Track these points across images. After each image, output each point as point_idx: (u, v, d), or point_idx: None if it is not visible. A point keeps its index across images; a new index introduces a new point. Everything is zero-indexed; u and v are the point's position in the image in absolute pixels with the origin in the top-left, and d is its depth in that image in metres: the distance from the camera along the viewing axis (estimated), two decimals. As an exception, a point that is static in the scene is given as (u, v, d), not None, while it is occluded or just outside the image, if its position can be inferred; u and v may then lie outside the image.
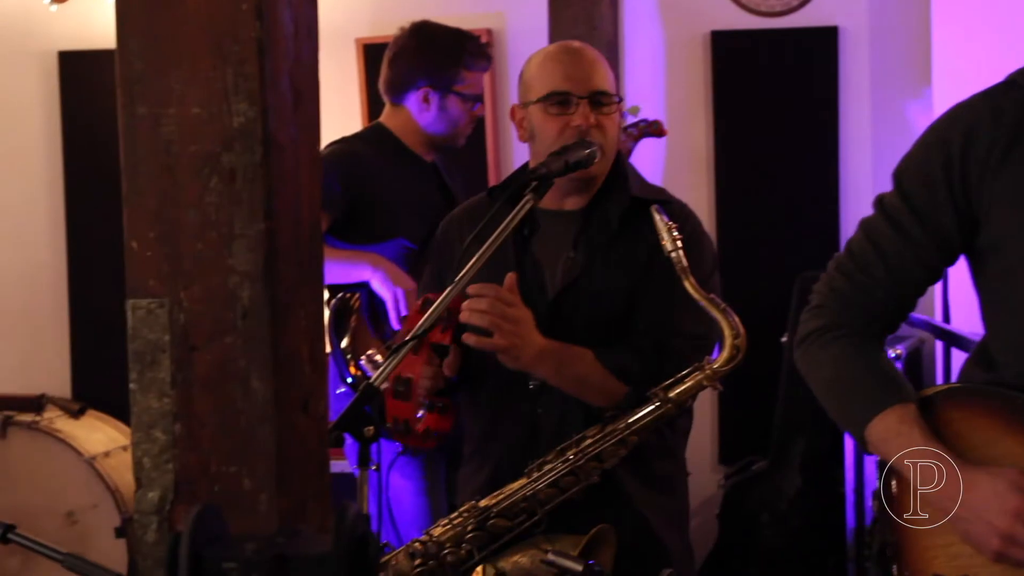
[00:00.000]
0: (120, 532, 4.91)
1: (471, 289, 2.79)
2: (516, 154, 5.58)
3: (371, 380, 2.50)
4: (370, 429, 2.41)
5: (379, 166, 4.10)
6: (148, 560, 1.97)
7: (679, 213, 2.96)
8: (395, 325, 3.96)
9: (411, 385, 2.91)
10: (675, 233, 2.78)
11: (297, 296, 2.00)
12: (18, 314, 6.06)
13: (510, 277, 2.87)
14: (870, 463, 4.71)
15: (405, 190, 4.12)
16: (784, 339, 4.93)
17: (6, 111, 6.06)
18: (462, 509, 2.84)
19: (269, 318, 1.92)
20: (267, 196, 1.92)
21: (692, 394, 2.80)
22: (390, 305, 3.95)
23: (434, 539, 2.79)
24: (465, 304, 2.82)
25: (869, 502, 4.62)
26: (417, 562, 2.77)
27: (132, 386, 1.95)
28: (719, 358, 2.78)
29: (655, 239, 2.81)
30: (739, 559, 5.10)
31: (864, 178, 5.44)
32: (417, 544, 2.80)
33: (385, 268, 3.97)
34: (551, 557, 2.58)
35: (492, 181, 5.56)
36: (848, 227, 5.39)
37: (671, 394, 2.79)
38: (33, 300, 6.05)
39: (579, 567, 2.54)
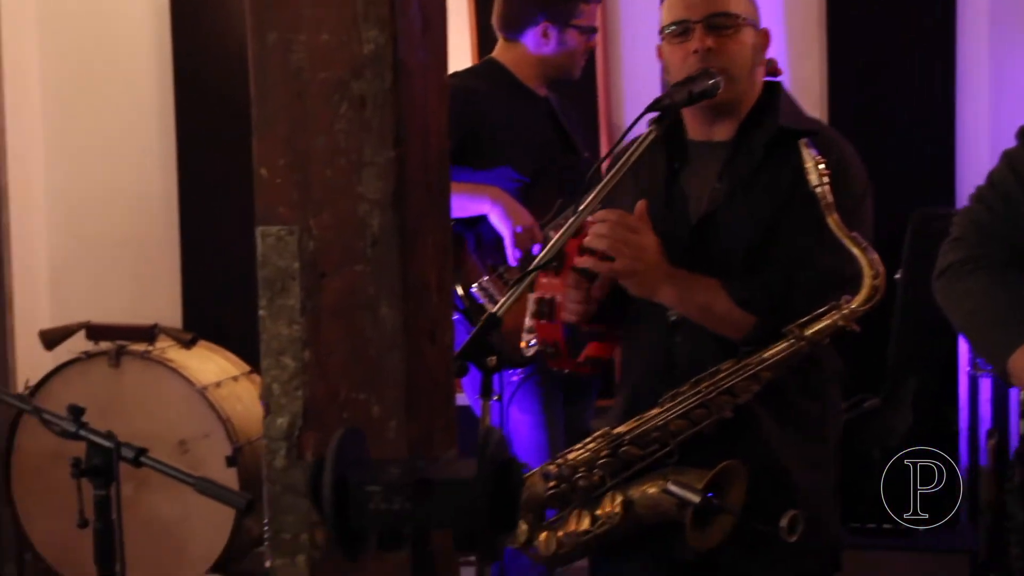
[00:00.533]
0: (231, 461, 4.96)
1: (594, 215, 2.77)
2: (627, 91, 5.54)
3: (493, 310, 2.50)
4: (493, 359, 2.41)
5: (492, 101, 4.08)
6: (277, 486, 1.98)
7: (827, 143, 2.88)
8: (511, 261, 3.95)
9: (554, 306, 2.88)
10: (821, 167, 2.72)
11: (425, 223, 1.99)
12: (131, 246, 6.14)
13: (640, 204, 2.85)
14: (984, 403, 4.65)
15: (518, 125, 4.10)
16: (898, 276, 4.85)
17: (118, 46, 6.10)
18: (596, 434, 2.85)
19: (398, 246, 1.91)
20: (397, 123, 1.91)
21: (828, 333, 2.72)
22: (508, 241, 3.94)
23: (568, 462, 2.82)
24: (590, 228, 2.82)
25: (983, 441, 4.56)
26: (551, 484, 2.80)
27: (261, 312, 1.95)
28: (857, 297, 2.70)
29: (799, 168, 2.76)
30: (850, 495, 5.06)
31: (981, 114, 5.32)
32: (552, 467, 2.83)
33: (504, 203, 3.95)
34: (671, 487, 2.58)
35: (603, 119, 5.54)
36: (964, 163, 5.29)
37: (807, 332, 2.73)
38: (146, 233, 6.12)
39: (696, 498, 2.54)
